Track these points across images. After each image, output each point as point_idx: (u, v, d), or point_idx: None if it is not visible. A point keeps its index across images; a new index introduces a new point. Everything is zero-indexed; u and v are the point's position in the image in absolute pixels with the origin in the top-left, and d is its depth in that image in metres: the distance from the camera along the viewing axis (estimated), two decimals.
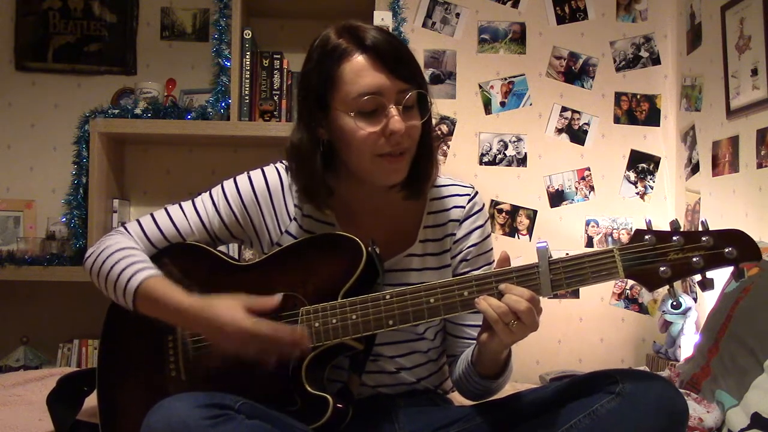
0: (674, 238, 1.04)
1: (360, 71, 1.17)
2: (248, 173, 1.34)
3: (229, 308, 1.13)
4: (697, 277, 1.04)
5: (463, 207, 1.34)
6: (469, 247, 1.33)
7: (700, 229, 1.04)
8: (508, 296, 1.07)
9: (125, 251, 1.24)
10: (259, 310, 1.13)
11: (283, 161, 1.35)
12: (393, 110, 1.17)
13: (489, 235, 1.36)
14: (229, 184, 1.34)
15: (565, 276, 1.08)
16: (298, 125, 1.26)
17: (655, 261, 1.04)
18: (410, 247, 1.31)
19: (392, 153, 1.19)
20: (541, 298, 1.09)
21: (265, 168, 1.35)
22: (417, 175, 1.25)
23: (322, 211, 1.29)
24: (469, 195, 1.35)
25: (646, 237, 1.05)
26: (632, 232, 1.07)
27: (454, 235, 1.33)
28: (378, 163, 1.20)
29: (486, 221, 1.36)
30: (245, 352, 1.11)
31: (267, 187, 1.32)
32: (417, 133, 1.22)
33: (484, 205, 1.38)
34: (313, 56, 1.23)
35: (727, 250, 1.01)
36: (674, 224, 1.06)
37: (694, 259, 1.02)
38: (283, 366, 1.15)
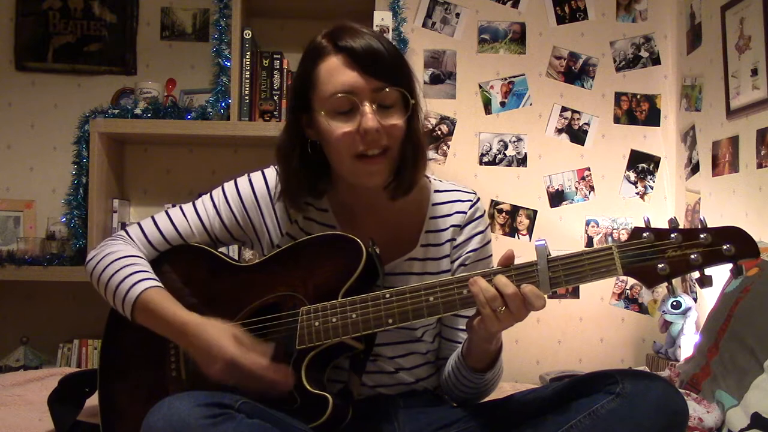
0: (672, 235, 1.03)
1: (333, 70, 1.17)
2: (248, 175, 1.34)
3: (220, 334, 1.12)
4: (696, 275, 1.03)
5: (465, 212, 1.33)
6: (468, 252, 1.33)
7: (699, 226, 1.04)
8: (498, 278, 1.08)
9: (127, 260, 1.24)
10: (247, 346, 1.13)
11: None
12: (366, 108, 1.16)
13: (489, 242, 1.36)
14: (229, 186, 1.34)
15: (564, 273, 1.07)
16: (284, 127, 1.28)
17: (654, 258, 1.04)
18: (411, 251, 1.30)
19: (367, 153, 1.18)
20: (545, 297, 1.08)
21: (265, 170, 1.35)
22: (400, 175, 1.24)
23: (323, 213, 1.30)
24: (471, 201, 1.35)
25: (645, 234, 1.05)
26: (631, 230, 1.07)
27: (455, 240, 1.33)
28: (356, 164, 1.19)
29: (487, 227, 1.36)
30: (225, 380, 1.11)
31: (267, 189, 1.32)
32: (398, 132, 1.20)
33: (485, 211, 1.38)
34: (302, 58, 1.24)
35: (725, 247, 1.01)
36: (673, 222, 1.06)
37: (692, 256, 1.02)
38: (283, 365, 1.15)
